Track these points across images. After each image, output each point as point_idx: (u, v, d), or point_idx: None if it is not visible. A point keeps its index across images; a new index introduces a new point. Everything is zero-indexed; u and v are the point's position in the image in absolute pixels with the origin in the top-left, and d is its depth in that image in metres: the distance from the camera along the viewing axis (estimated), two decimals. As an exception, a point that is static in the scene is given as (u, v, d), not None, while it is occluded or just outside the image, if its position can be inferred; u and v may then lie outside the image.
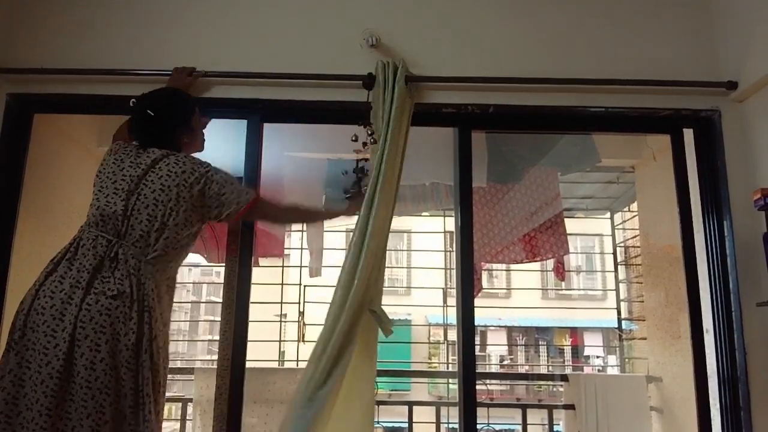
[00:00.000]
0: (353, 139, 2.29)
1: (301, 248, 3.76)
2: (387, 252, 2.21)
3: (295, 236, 4.23)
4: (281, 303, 4.04)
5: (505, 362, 10.55)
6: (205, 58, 2.38)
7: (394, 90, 2.22)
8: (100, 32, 2.40)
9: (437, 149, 2.86)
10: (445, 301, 5.31)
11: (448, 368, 5.77)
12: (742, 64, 2.31)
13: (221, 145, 3.03)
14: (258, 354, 3.68)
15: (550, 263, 3.58)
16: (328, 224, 3.58)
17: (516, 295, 10.60)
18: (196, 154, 2.06)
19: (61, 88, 2.33)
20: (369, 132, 2.24)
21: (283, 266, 3.98)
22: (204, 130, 2.19)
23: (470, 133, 2.37)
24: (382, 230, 2.13)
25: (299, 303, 4.00)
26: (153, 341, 1.76)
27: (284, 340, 4.53)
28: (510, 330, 12.11)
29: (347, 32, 2.41)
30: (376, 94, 2.25)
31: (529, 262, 3.47)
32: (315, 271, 3.55)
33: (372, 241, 2.08)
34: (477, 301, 2.21)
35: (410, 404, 3.49)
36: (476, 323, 2.25)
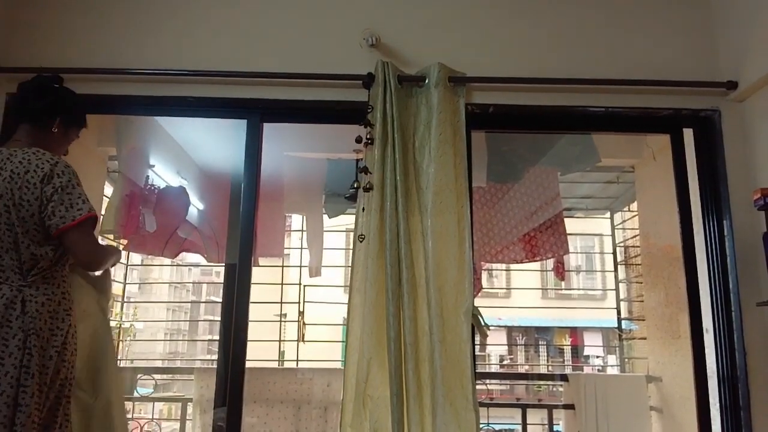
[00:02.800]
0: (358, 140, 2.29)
1: (301, 248, 3.76)
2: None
3: (295, 236, 4.23)
4: (281, 303, 4.04)
5: (505, 362, 10.55)
6: (205, 58, 2.38)
7: (393, 90, 2.23)
8: (99, 32, 2.41)
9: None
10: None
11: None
12: (741, 63, 2.31)
13: (221, 145, 3.04)
14: (258, 354, 3.68)
15: (549, 263, 3.58)
16: (328, 224, 3.58)
17: (516, 295, 10.59)
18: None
19: (61, 88, 2.33)
20: (368, 132, 2.24)
21: (282, 266, 3.97)
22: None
23: (470, 133, 2.37)
24: (444, 235, 2.17)
25: (299, 303, 3.99)
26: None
27: (284, 340, 4.52)
28: (510, 330, 12.10)
29: (347, 32, 2.41)
30: (375, 93, 2.25)
31: (529, 261, 3.46)
32: (315, 271, 3.54)
33: (436, 245, 2.13)
34: (477, 301, 2.21)
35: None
36: (476, 323, 2.25)
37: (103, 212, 3.14)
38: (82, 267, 1.88)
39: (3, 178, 1.74)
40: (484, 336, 2.19)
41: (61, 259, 1.83)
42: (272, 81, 2.35)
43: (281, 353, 4.74)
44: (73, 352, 1.84)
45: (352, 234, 2.22)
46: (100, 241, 2.11)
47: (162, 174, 3.31)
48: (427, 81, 2.30)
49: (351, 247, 2.25)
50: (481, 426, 2.12)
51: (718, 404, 2.25)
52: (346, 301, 2.23)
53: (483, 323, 2.18)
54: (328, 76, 2.34)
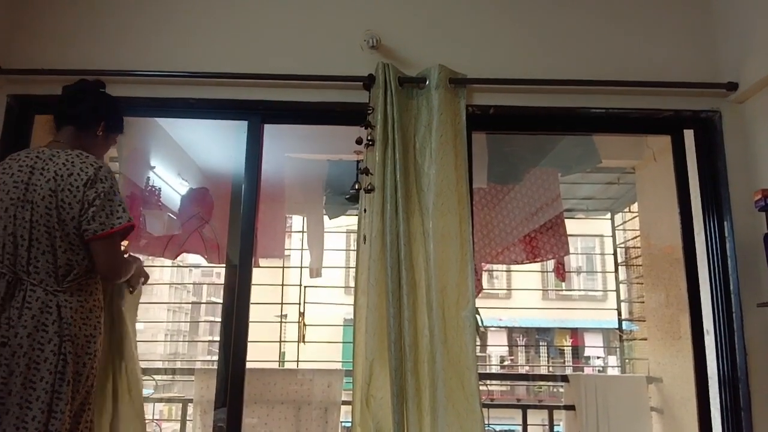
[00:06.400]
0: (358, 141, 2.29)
1: (302, 249, 3.76)
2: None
3: (296, 237, 4.23)
4: (281, 304, 4.04)
5: (506, 363, 10.55)
6: (205, 59, 2.38)
7: (393, 91, 2.23)
8: (100, 33, 2.41)
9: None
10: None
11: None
12: (742, 65, 2.31)
13: (222, 146, 3.04)
14: (258, 355, 3.68)
15: (550, 264, 3.58)
16: (328, 225, 3.58)
17: (516, 296, 10.59)
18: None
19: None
20: (368, 133, 2.24)
21: (283, 267, 3.97)
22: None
23: (471, 135, 2.37)
24: (445, 237, 2.17)
25: (299, 304, 4.00)
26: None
27: (284, 341, 4.52)
28: (510, 330, 12.10)
29: (348, 33, 2.41)
30: (376, 94, 2.25)
31: (530, 262, 3.46)
32: (315, 272, 3.55)
33: (438, 246, 2.13)
34: (477, 302, 2.21)
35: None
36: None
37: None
38: (104, 276, 1.84)
39: (46, 179, 1.73)
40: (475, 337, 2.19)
41: (95, 267, 1.81)
42: (273, 82, 2.35)
43: (282, 354, 4.74)
44: (97, 361, 1.84)
45: (353, 235, 2.24)
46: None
47: (163, 175, 3.31)
48: (427, 82, 2.30)
49: (352, 248, 2.25)
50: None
51: (718, 405, 2.24)
52: (347, 302, 2.24)
53: (480, 324, 2.18)
54: (328, 78, 2.34)
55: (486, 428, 2.08)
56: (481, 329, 2.20)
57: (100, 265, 1.78)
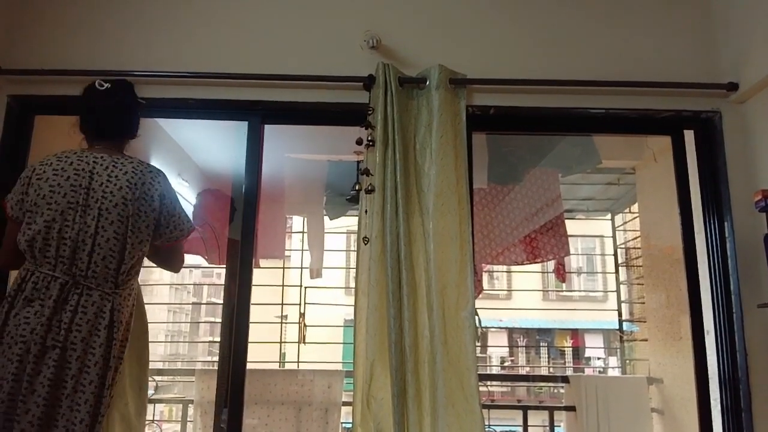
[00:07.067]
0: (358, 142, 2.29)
1: (302, 249, 3.76)
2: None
3: (296, 237, 4.23)
4: (282, 304, 4.04)
5: (506, 363, 10.55)
6: (206, 60, 2.38)
7: (394, 91, 2.23)
8: (100, 34, 2.41)
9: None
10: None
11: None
12: (742, 65, 2.31)
13: (222, 146, 3.04)
14: (259, 355, 3.68)
15: (550, 265, 3.58)
16: (329, 225, 3.58)
17: (517, 297, 10.59)
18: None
19: (62, 90, 2.33)
20: (368, 134, 2.24)
21: (283, 267, 3.98)
22: None
23: (471, 135, 2.37)
24: (445, 237, 2.17)
25: (300, 304, 4.00)
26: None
27: (285, 342, 4.52)
28: (511, 331, 12.10)
29: (348, 34, 2.41)
30: (376, 95, 2.25)
31: (530, 263, 3.46)
32: (315, 273, 3.55)
33: (438, 247, 2.13)
34: (478, 303, 2.21)
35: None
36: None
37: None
38: (171, 270, 2.07)
39: (118, 188, 1.74)
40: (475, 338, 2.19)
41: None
42: (273, 83, 2.35)
43: (282, 355, 4.74)
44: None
45: (353, 236, 2.24)
46: None
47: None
48: (427, 83, 2.30)
49: (352, 248, 2.25)
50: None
51: (719, 406, 2.24)
52: (348, 303, 2.24)
53: (479, 325, 2.18)
54: (328, 78, 2.34)
55: (486, 429, 2.08)
56: (480, 329, 2.19)
57: (171, 264, 1.99)
